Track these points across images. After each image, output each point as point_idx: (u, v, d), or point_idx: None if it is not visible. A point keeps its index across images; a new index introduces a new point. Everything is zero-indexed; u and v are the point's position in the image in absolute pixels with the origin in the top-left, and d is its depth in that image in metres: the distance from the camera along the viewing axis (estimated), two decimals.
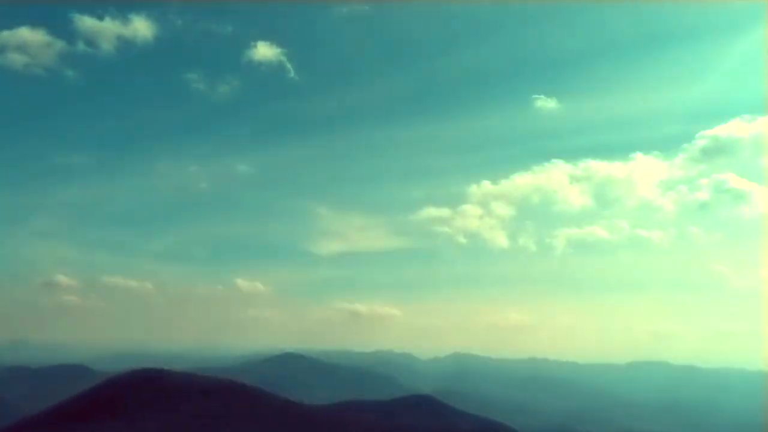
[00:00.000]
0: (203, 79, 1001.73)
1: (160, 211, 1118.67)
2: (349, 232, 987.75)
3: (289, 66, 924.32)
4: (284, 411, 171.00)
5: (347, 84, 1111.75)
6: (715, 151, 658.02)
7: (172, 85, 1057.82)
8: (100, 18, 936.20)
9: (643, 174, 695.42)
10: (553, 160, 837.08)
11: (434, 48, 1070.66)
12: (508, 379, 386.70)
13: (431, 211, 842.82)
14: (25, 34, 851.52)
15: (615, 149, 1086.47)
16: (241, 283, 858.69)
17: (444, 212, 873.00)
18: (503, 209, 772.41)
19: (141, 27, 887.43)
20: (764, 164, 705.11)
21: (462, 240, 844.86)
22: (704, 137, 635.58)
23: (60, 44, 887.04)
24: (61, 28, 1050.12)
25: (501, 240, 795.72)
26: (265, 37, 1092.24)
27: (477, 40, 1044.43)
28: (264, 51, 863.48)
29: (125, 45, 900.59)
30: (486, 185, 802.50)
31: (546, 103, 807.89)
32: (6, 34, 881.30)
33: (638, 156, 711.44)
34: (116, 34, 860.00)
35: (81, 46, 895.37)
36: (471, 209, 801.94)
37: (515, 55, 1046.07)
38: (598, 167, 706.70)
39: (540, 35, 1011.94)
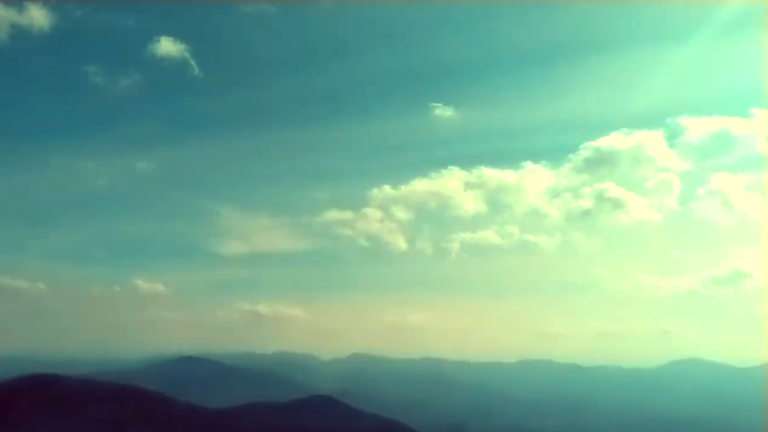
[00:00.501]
0: (102, 73, 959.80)
1: (55, 209, 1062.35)
2: (253, 233, 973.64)
3: (193, 63, 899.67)
4: (183, 415, 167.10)
5: (252, 83, 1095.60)
6: (597, 162, 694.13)
7: (70, 78, 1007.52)
8: None
9: (532, 182, 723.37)
10: (450, 167, 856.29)
11: (338, 51, 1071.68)
12: (406, 378, 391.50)
13: (334, 214, 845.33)
14: None
15: (507, 158, 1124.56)
16: (141, 284, 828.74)
17: (346, 215, 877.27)
18: (402, 213, 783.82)
19: (37, 16, 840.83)
20: (641, 175, 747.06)
21: (363, 242, 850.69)
22: (587, 148, 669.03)
23: None
24: None
25: (400, 243, 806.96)
26: (168, 32, 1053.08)
27: (380, 46, 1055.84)
28: (167, 46, 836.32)
29: (20, 34, 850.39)
30: (386, 189, 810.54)
31: (444, 112, 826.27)
32: None
33: (528, 164, 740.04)
34: (10, 21, 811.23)
35: None
36: (372, 212, 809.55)
37: (416, 62, 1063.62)
38: (491, 174, 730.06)
39: (440, 44, 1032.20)
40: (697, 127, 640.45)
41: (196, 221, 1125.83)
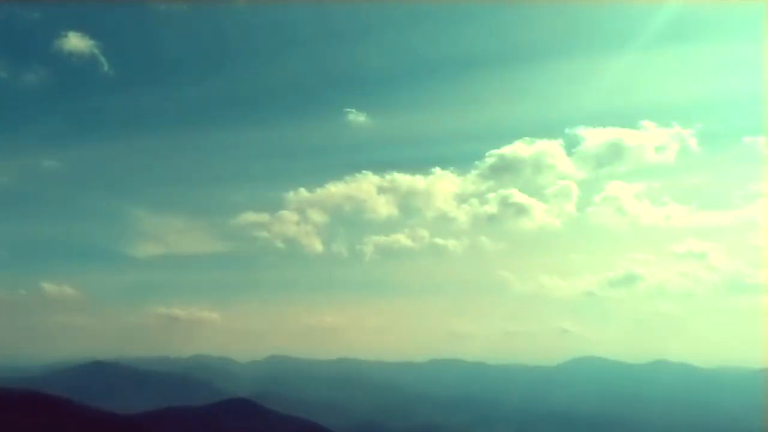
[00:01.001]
0: (5, 67, 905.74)
1: None
2: (167, 235, 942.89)
3: (102, 59, 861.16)
4: (93, 421, 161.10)
5: (165, 82, 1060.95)
6: (502, 169, 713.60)
7: None
8: None
9: (441, 187, 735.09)
10: (363, 172, 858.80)
11: (253, 53, 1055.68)
12: (322, 379, 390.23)
13: (250, 216, 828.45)
14: None
15: (417, 163, 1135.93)
16: (48, 287, 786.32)
17: (263, 217, 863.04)
18: (318, 216, 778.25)
19: None
20: (542, 182, 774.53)
21: (280, 245, 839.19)
22: (492, 156, 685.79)
23: None
24: None
25: (316, 246, 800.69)
26: (76, 27, 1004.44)
27: (296, 49, 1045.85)
28: (75, 42, 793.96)
29: None
30: (302, 192, 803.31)
31: (357, 117, 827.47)
32: None
33: (437, 170, 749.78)
34: None
35: None
36: (288, 215, 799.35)
37: (331, 67, 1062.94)
38: (403, 180, 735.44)
39: (355, 50, 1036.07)
40: (593, 138, 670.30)
41: (106, 222, 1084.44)
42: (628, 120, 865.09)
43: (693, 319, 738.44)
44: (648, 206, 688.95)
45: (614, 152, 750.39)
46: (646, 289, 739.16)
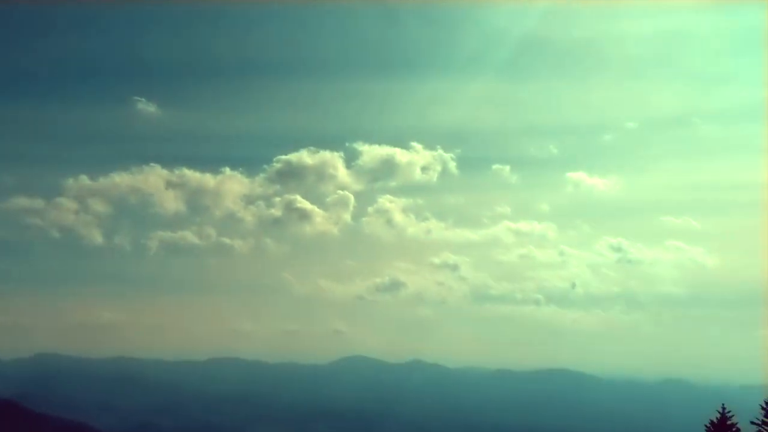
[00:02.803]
0: None
1: None
2: None
3: None
4: None
5: None
6: (288, 175, 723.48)
7: None
8: None
9: (230, 187, 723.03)
10: (151, 164, 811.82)
11: (38, 34, 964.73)
12: (96, 379, 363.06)
13: (22, 201, 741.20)
14: None
15: (207, 161, 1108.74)
16: None
17: (37, 203, 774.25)
18: (100, 206, 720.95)
19: None
20: (323, 190, 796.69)
21: (55, 234, 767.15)
22: (280, 161, 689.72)
23: None
24: None
25: (96, 237, 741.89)
26: None
27: (87, 31, 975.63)
28: None
29: None
30: (83, 180, 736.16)
31: (147, 107, 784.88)
32: None
33: (227, 170, 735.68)
34: None
35: None
36: (66, 203, 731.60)
37: (120, 54, 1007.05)
38: (192, 176, 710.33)
39: (149, 41, 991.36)
40: (369, 153, 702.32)
41: None
42: (400, 140, 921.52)
43: (445, 324, 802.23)
44: (413, 220, 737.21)
45: (387, 168, 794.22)
46: (407, 295, 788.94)
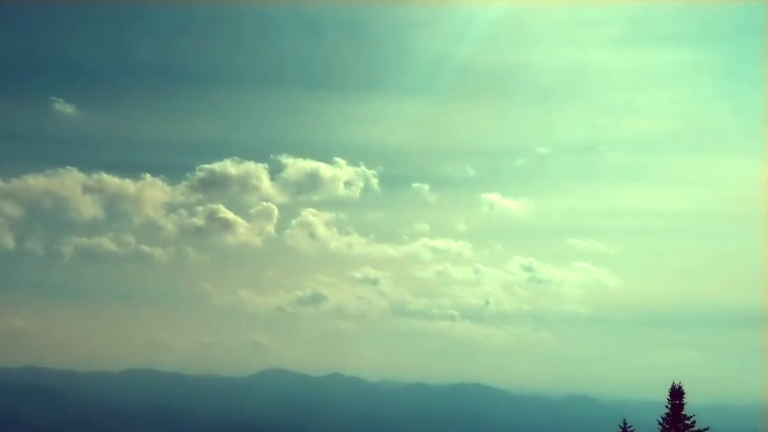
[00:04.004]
0: None
1: None
2: None
3: None
4: None
5: None
6: (211, 184, 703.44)
7: None
8: None
9: (150, 194, 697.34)
10: (68, 167, 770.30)
11: None
12: (4, 390, 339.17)
13: None
14: None
15: (127, 167, 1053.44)
16: None
17: None
18: (11, 209, 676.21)
19: None
20: (247, 201, 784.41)
21: None
22: (203, 170, 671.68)
23: None
24: None
25: (7, 241, 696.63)
26: None
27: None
28: None
29: None
30: None
31: (64, 108, 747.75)
32: None
33: (147, 176, 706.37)
34: None
35: None
36: None
37: (39, 51, 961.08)
38: (111, 181, 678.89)
39: (70, 40, 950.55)
40: (294, 166, 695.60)
41: None
42: (324, 154, 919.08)
43: (364, 337, 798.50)
44: (335, 234, 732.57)
45: (311, 182, 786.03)
46: (328, 309, 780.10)
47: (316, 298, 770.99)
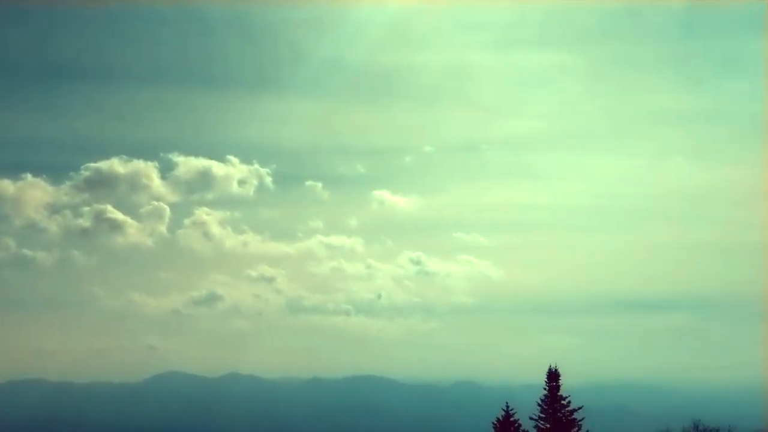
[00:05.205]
0: None
1: None
2: None
3: None
4: None
5: None
6: (98, 183, 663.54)
7: None
8: None
9: (31, 195, 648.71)
10: None
11: None
12: None
13: None
14: None
15: (6, 166, 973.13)
16: None
17: None
18: None
19: None
20: (136, 201, 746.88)
21: None
22: (89, 169, 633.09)
23: None
24: None
25: None
26: None
27: None
28: None
29: None
30: None
31: None
32: None
33: (28, 177, 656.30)
34: None
35: None
36: None
37: None
38: None
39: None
40: (186, 165, 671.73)
41: None
42: (216, 153, 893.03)
43: (261, 335, 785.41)
44: (230, 233, 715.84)
45: (204, 181, 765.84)
46: (224, 308, 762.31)
47: (212, 298, 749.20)
